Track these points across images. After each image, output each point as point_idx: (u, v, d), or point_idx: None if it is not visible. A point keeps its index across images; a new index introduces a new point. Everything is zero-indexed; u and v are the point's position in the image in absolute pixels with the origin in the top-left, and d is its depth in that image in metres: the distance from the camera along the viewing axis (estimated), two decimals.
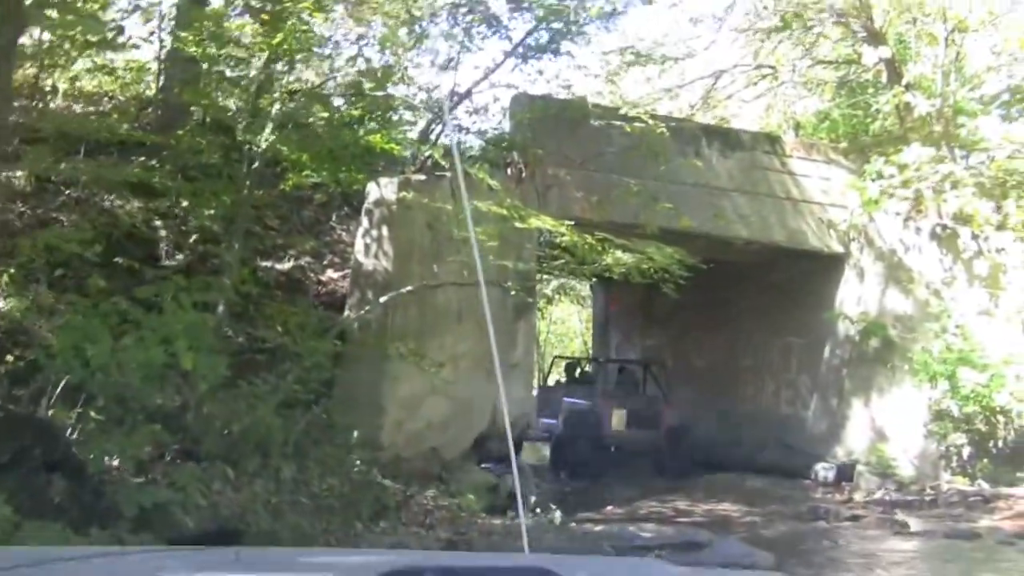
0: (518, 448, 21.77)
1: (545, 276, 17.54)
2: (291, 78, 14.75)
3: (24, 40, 12.63)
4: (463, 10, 17.97)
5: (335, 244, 17.24)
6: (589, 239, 14.98)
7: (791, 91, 27.00)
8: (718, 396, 25.37)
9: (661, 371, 25.50)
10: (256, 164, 13.36)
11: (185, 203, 14.92)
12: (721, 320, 25.54)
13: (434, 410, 15.81)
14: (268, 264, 16.35)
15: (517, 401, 17.79)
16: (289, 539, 10.96)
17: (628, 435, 23.89)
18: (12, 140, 13.63)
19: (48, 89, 16.59)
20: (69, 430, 10.20)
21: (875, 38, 22.86)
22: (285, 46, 12.75)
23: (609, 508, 18.29)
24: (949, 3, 20.93)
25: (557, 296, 41.46)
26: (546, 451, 24.61)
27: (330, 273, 16.78)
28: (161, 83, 16.91)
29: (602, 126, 19.02)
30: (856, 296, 22.65)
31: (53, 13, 9.79)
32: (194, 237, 15.38)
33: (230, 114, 14.69)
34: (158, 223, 15.64)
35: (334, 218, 17.55)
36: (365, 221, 15.91)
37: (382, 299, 14.80)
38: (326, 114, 14.91)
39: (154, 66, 17.56)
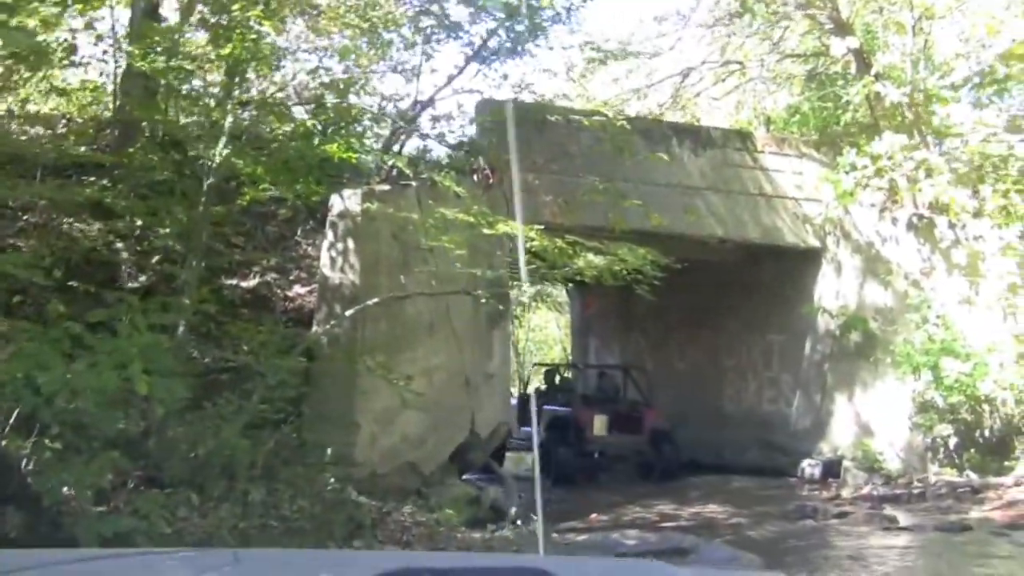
0: (501, 457, 21.58)
1: (517, 284, 17.12)
2: (249, 90, 14.41)
3: None
4: (423, 18, 17.72)
5: (301, 259, 16.88)
6: (559, 243, 14.68)
7: (760, 87, 26.79)
8: (700, 397, 25.20)
9: (641, 374, 25.28)
10: (211, 180, 12.98)
11: (140, 223, 14.53)
12: (700, 321, 25.38)
13: (409, 424, 15.48)
14: (232, 282, 16.01)
15: (496, 410, 17.54)
16: None
17: (611, 440, 23.68)
18: None
19: (1, 113, 16.26)
20: (24, 461, 9.83)
21: (842, 29, 22.63)
22: (235, 56, 12.37)
23: (593, 516, 17.98)
24: None
25: (534, 303, 41.27)
26: (528, 460, 24.32)
27: (297, 289, 16.42)
28: (118, 102, 16.53)
29: (569, 128, 18.81)
30: (835, 290, 22.46)
31: None
32: (156, 258, 15.02)
33: (184, 129, 14.28)
34: (119, 245, 15.29)
35: (299, 232, 17.18)
36: (330, 234, 15.58)
37: (348, 313, 14.46)
38: (279, 125, 14.55)
39: (111, 86, 17.21)
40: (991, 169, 20.78)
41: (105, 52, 15.03)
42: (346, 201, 15.42)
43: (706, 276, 23.53)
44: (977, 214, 20.68)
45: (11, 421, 9.94)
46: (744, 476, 22.17)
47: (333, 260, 15.47)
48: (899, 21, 22.77)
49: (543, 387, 27.41)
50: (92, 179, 15.15)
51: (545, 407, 24.40)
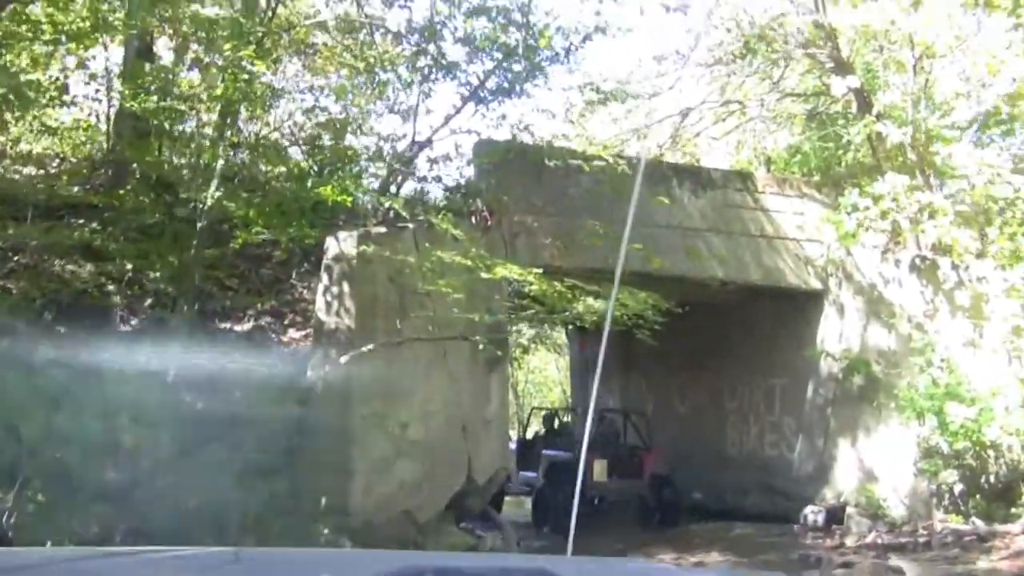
0: (499, 503, 21.24)
1: (515, 328, 16.84)
2: (241, 131, 14.16)
3: None
4: (420, 58, 17.49)
5: (296, 302, 16.56)
6: (558, 287, 14.40)
7: (760, 126, 26.57)
8: (701, 441, 24.88)
9: (642, 418, 24.94)
10: (203, 222, 12.70)
11: (129, 266, 14.24)
12: (701, 363, 25.08)
13: (406, 471, 15.15)
14: (226, 326, 15.70)
15: (494, 456, 17.21)
16: None
17: (611, 485, 23.31)
18: None
19: None
20: (4, 514, 9.49)
21: (843, 68, 22.41)
22: (228, 96, 12.10)
23: None
24: (916, 29, 20.46)
25: (533, 345, 41.03)
26: (528, 505, 24.01)
27: (292, 333, 16.11)
28: (112, 142, 16.28)
29: (568, 169, 18.58)
30: (837, 332, 22.16)
31: None
32: (149, 301, 14.72)
33: (177, 171, 13.98)
34: (111, 288, 14.99)
35: (294, 275, 16.88)
36: (325, 277, 15.28)
37: (342, 359, 14.15)
38: (270, 167, 14.28)
39: (105, 126, 16.96)
40: (998, 211, 20.50)
41: (98, 91, 14.75)
42: (341, 243, 15.13)
43: (707, 318, 23.28)
44: (980, 255, 20.41)
45: None
46: (746, 522, 21.77)
47: (328, 304, 15.17)
48: (900, 60, 22.55)
49: (542, 431, 27.04)
50: (84, 221, 14.88)
51: (544, 452, 24.06)
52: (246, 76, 12.02)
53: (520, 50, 16.96)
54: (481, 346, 15.18)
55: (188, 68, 14.63)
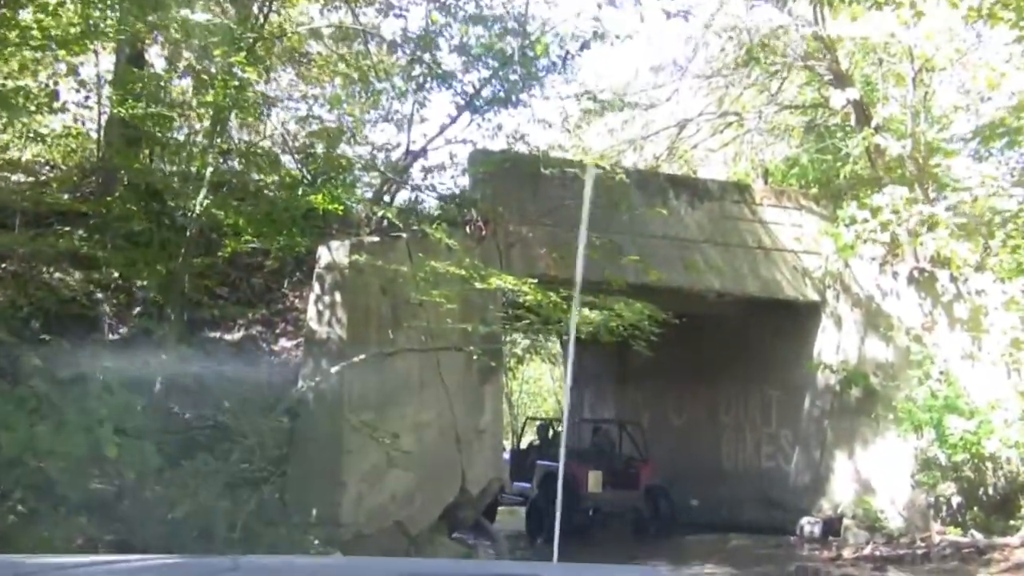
0: (493, 513, 21.09)
1: (509, 338, 16.66)
2: (232, 139, 13.99)
3: None
4: (415, 67, 17.35)
5: (288, 312, 16.40)
6: (553, 297, 14.24)
7: (758, 138, 26.42)
8: (697, 453, 24.75)
9: (637, 429, 24.79)
10: (192, 230, 12.53)
11: (117, 274, 14.07)
12: (697, 375, 24.93)
13: (398, 482, 14.98)
14: (216, 335, 15.54)
15: (487, 466, 17.05)
16: None
17: (606, 497, 23.17)
18: None
19: None
20: None
21: (841, 80, 22.32)
22: (218, 103, 11.93)
23: None
24: (915, 42, 20.35)
25: (528, 355, 40.89)
26: (522, 515, 23.84)
27: (283, 342, 15.95)
28: (102, 150, 16.11)
29: (564, 180, 18.45)
30: (835, 345, 22.03)
31: None
32: (137, 310, 14.55)
33: (165, 178, 13.77)
34: (99, 296, 14.83)
35: (286, 284, 16.72)
36: (317, 287, 15.12)
37: (334, 369, 13.99)
38: (261, 175, 14.11)
39: (95, 133, 16.78)
40: (1000, 223, 20.37)
41: (87, 98, 14.58)
42: (333, 253, 14.98)
43: (703, 330, 23.15)
44: (979, 268, 20.29)
45: None
46: (742, 534, 21.61)
47: (320, 313, 15.01)
48: (899, 73, 22.46)
49: (536, 442, 26.89)
50: (72, 228, 14.72)
51: (538, 462, 23.92)
52: (236, 83, 11.88)
53: (516, 59, 16.80)
54: (475, 356, 15.00)
55: (180, 76, 14.44)
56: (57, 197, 14.99)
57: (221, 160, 12.80)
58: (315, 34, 18.26)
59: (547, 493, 22.78)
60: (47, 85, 13.81)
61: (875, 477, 20.94)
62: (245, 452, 12.25)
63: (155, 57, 16.10)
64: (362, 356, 14.03)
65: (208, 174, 12.39)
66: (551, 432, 26.95)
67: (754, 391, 24.03)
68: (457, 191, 18.18)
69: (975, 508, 19.60)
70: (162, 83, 13.34)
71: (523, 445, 27.38)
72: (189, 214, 12.47)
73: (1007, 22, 17.98)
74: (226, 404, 13.35)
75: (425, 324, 14.66)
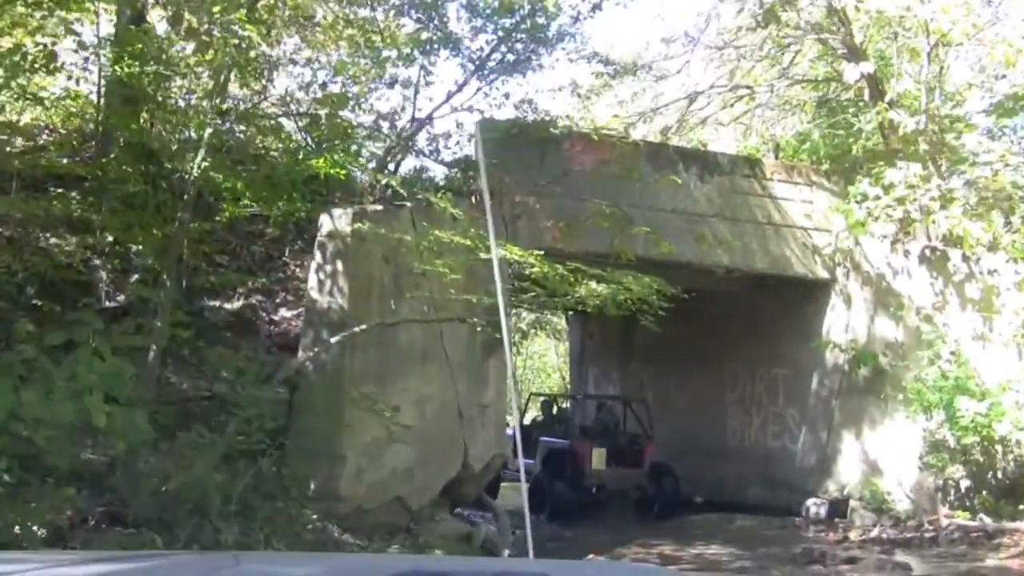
0: (496, 489, 20.86)
1: (515, 310, 16.32)
2: (232, 101, 13.62)
3: None
4: (423, 32, 17.02)
5: (288, 280, 16.05)
6: (560, 269, 13.92)
7: (769, 113, 26.05)
8: (702, 431, 24.45)
9: (642, 407, 24.48)
10: (188, 194, 12.17)
11: (111, 238, 13.73)
12: (704, 352, 24.62)
13: (399, 457, 14.68)
14: (215, 304, 15.21)
15: (490, 442, 16.78)
16: None
17: (610, 474, 22.90)
18: None
19: None
20: None
21: (855, 54, 21.94)
22: (217, 62, 11.56)
23: (591, 556, 17.12)
24: (931, 16, 19.99)
25: (533, 331, 40.63)
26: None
27: (283, 312, 15.61)
28: (101, 113, 15.73)
29: (573, 151, 18.18)
30: (844, 323, 21.73)
31: None
32: (135, 277, 14.21)
33: (161, 139, 13.36)
34: (96, 262, 14.51)
35: (287, 253, 16.38)
36: (318, 255, 14.78)
37: (334, 339, 13.67)
38: (262, 138, 13.74)
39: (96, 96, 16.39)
40: (1021, 198, 20.07)
41: (87, 59, 14.19)
42: (335, 220, 14.64)
43: (711, 306, 22.87)
44: (992, 248, 19.96)
45: None
46: (747, 514, 21.38)
47: (321, 283, 14.68)
48: (914, 48, 22.10)
49: (540, 418, 26.62)
50: (68, 192, 14.35)
51: (541, 439, 23.64)
52: (236, 41, 11.51)
53: (526, 22, 16.46)
54: (479, 328, 14.68)
55: (181, 37, 14.02)
56: (54, 161, 14.60)
57: (220, 122, 12.38)
58: None
59: (550, 471, 22.54)
60: (44, 46, 13.39)
61: (883, 458, 20.68)
62: (241, 424, 11.92)
63: (157, 20, 15.65)
64: (363, 326, 13.71)
65: (206, 136, 12.02)
66: (555, 408, 26.69)
67: (761, 369, 23.74)
68: (462, 159, 17.85)
69: (984, 492, 19.38)
70: (162, 44, 12.90)
71: (527, 421, 27.10)
72: (186, 177, 12.11)
73: None
74: (224, 374, 13.02)
75: (428, 295, 14.32)
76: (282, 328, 15.36)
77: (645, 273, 15.20)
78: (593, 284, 14.04)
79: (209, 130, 12.04)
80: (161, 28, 15.19)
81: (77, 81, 14.19)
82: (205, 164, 11.82)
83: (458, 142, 18.25)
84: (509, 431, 23.70)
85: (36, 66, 12.60)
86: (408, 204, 15.49)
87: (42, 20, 13.13)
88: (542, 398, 28.79)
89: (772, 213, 21.45)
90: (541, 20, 16.85)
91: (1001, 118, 21.57)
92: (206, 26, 12.66)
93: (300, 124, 16.26)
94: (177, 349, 13.60)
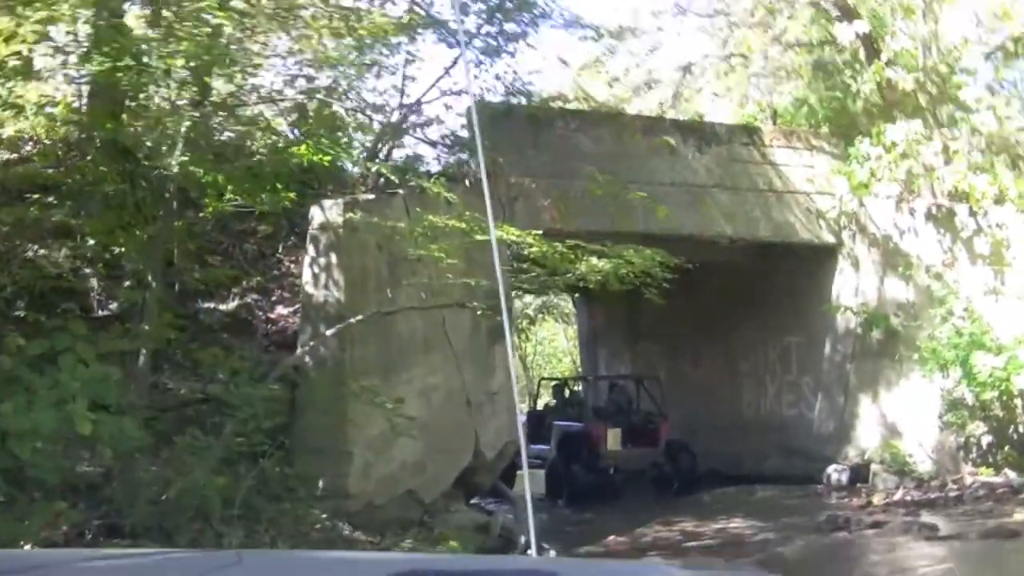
0: (511, 478, 20.65)
1: (516, 292, 16.03)
2: (219, 95, 13.27)
3: None
4: (409, 17, 16.69)
5: (283, 277, 15.75)
6: (559, 247, 13.62)
7: (765, 80, 25.70)
8: (717, 405, 24.23)
9: (655, 384, 24.20)
10: (169, 190, 11.85)
11: (100, 245, 13.41)
12: (713, 325, 24.34)
13: (408, 449, 14.38)
14: (210, 305, 14.93)
15: (502, 430, 16.50)
16: None
17: (626, 454, 22.67)
18: None
19: None
20: None
21: (848, 14, 21.61)
22: (190, 53, 11.20)
23: (611, 538, 16.86)
24: None
25: (541, 316, 40.42)
26: (540, 478, 23.32)
27: (280, 310, 15.32)
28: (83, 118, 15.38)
29: (566, 130, 17.94)
30: (853, 287, 21.44)
31: None
32: (127, 283, 13.90)
33: (138, 135, 12.98)
34: (87, 271, 14.22)
35: (280, 249, 16.09)
36: (311, 248, 14.49)
37: (329, 332, 13.38)
38: (242, 128, 13.38)
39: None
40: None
41: (64, 63, 13.85)
42: (327, 212, 14.34)
43: (717, 278, 22.59)
44: (999, 201, 19.65)
45: None
46: (767, 485, 21.09)
47: (316, 276, 14.40)
48: (908, 5, 21.74)
49: (552, 402, 26.37)
50: (54, 200, 14.06)
51: (555, 423, 23.40)
52: (208, 30, 11.18)
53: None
54: (480, 312, 14.37)
55: (158, 33, 13.64)
56: (31, 170, 14.27)
57: (196, 115, 12.00)
58: None
59: (565, 454, 22.32)
60: (21, 52, 13.05)
61: (901, 420, 20.43)
62: (238, 425, 11.62)
63: (135, 20, 15.31)
64: (359, 317, 13.41)
65: (183, 130, 11.68)
66: (567, 392, 26.44)
67: (772, 338, 23.45)
68: (455, 140, 17.58)
69: (1006, 447, 19.24)
70: (136, 40, 12.50)
71: (539, 406, 26.87)
72: (166, 173, 11.78)
73: None
74: (220, 376, 12.70)
75: (426, 281, 14.00)
76: (279, 326, 15.08)
77: (648, 247, 14.92)
78: (594, 260, 13.75)
79: (186, 123, 11.69)
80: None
81: (57, 89, 13.91)
82: (184, 159, 11.49)
83: (451, 130, 17.96)
84: (522, 417, 23.58)
85: (13, 73, 12.26)
86: (401, 191, 15.21)
87: (16, 27, 12.78)
88: (553, 382, 28.51)
89: (773, 180, 21.14)
90: None
91: (1006, 60, 21.18)
92: (175, 12, 12.27)
93: (287, 118, 15.97)
94: (172, 353, 13.33)
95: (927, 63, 20.61)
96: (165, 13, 12.87)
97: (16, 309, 12.87)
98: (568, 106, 20.97)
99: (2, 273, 13.47)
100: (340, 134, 15.97)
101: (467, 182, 16.19)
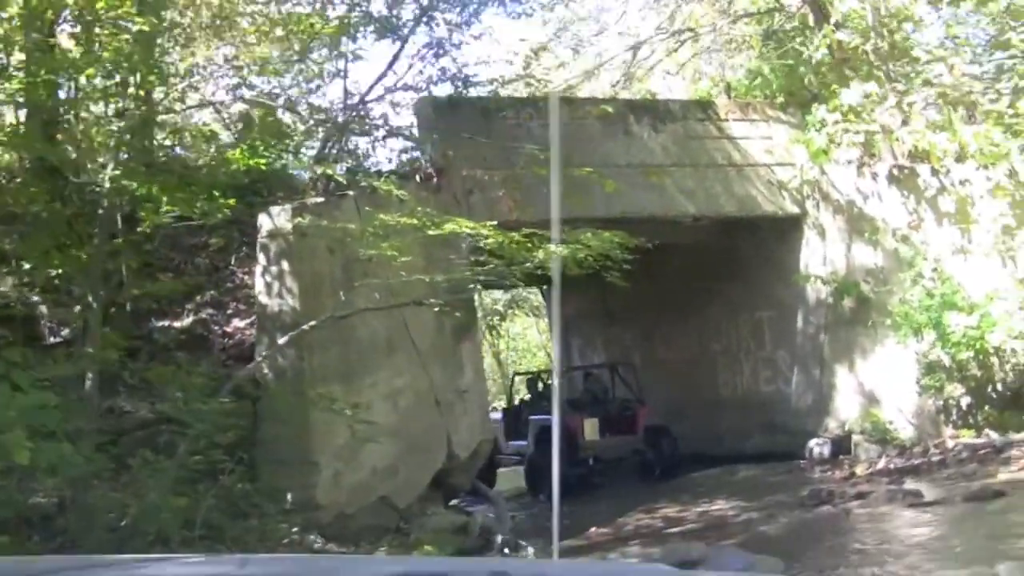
0: (492, 477, 20.37)
1: (474, 286, 15.69)
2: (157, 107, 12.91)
3: None
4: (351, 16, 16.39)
5: (237, 290, 15.37)
6: (515, 237, 13.31)
7: (716, 54, 25.51)
8: (694, 386, 23.97)
9: (629, 371, 23.94)
10: (103, 206, 11.46)
11: (28, 266, 13.03)
12: (683, 306, 24.09)
13: (377, 455, 14.09)
14: (164, 324, 14.57)
15: (474, 428, 16.21)
16: None
17: (604, 444, 22.38)
18: None
19: None
20: None
21: None
22: (111, 61, 10.84)
23: (593, 530, 16.61)
24: None
25: (511, 310, 40.20)
26: (519, 475, 23.08)
27: (236, 323, 14.96)
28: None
29: (518, 119, 17.72)
30: (821, 256, 21.17)
31: None
32: (78, 307, 13.51)
33: (65, 151, 12.59)
34: (35, 298, 13.84)
35: (233, 261, 15.72)
36: (261, 257, 14.16)
37: (281, 340, 13.05)
38: (170, 138, 13.02)
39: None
40: (982, 92, 19.59)
41: None
42: (275, 219, 14.02)
43: (683, 258, 22.38)
44: (960, 158, 19.42)
45: None
46: (749, 464, 20.88)
47: (268, 285, 14.07)
48: None
49: (528, 397, 26.07)
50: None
51: (531, 417, 23.11)
52: (126, 37, 10.81)
53: None
54: (437, 308, 14.05)
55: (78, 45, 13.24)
56: None
57: (122, 124, 11.60)
58: None
59: (544, 449, 22.01)
60: None
61: (879, 388, 20.19)
62: (192, 443, 11.25)
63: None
64: (312, 323, 13.06)
65: (111, 142, 11.31)
66: (541, 385, 26.14)
67: (744, 315, 23.20)
68: (406, 134, 17.30)
69: (986, 407, 19.00)
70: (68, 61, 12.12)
71: (515, 402, 26.58)
72: (98, 188, 11.40)
73: None
74: (177, 394, 12.32)
75: (380, 281, 13.65)
76: (236, 339, 14.72)
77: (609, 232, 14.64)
78: (551, 247, 13.42)
79: (114, 134, 11.31)
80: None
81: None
82: (115, 173, 11.09)
83: (398, 128, 17.67)
84: (496, 415, 23.30)
85: None
86: (351, 193, 14.89)
87: None
88: (527, 376, 28.22)
89: (732, 154, 20.87)
90: None
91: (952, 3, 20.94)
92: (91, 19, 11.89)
93: (233, 128, 15.65)
94: (128, 375, 12.97)
95: (877, 22, 20.35)
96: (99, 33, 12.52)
97: None
98: (518, 95, 20.67)
99: None
100: (287, 141, 15.69)
101: (418, 178, 15.90)
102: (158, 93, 13.21)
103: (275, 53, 17.78)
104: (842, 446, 20.32)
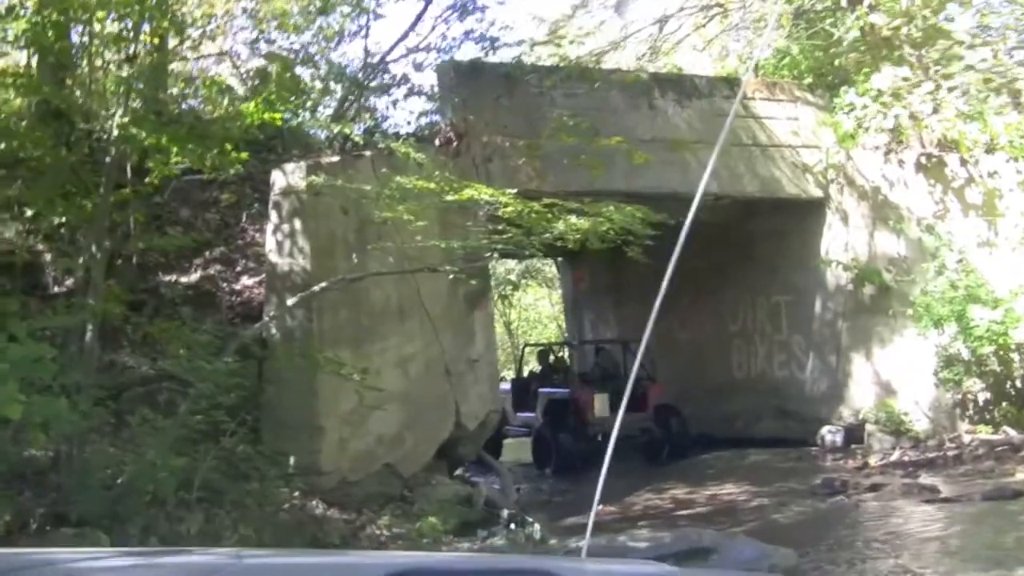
0: (499, 448, 20.13)
1: (491, 255, 15.33)
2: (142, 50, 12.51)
3: None
4: None
5: (248, 247, 15.05)
6: (535, 206, 12.97)
7: (745, 31, 25.07)
8: (706, 368, 23.66)
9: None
10: (111, 155, 11.11)
11: (30, 213, 12.72)
12: (701, 286, 23.64)
13: (384, 422, 13.80)
14: (171, 278, 14.24)
15: (483, 399, 15.91)
16: None
17: (613, 420, 21.98)
18: None
19: None
20: None
21: None
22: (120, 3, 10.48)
23: (600, 508, 16.24)
24: None
25: (524, 280, 39.86)
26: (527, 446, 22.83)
27: (245, 280, 14.65)
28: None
29: (541, 87, 17.39)
30: (843, 242, 20.79)
31: None
32: (83, 257, 13.19)
33: (71, 96, 12.24)
34: (40, 247, 13.53)
35: (244, 218, 15.38)
36: (274, 215, 13.83)
37: (290, 301, 12.73)
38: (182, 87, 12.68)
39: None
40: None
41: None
42: (289, 176, 13.68)
43: (702, 237, 21.78)
44: (990, 149, 19.04)
45: None
46: (759, 448, 20.57)
47: (280, 244, 13.75)
48: None
49: (537, 369, 25.78)
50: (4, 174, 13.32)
51: (540, 390, 22.86)
52: None
53: None
54: (451, 276, 13.73)
55: None
56: None
57: (131, 73, 11.22)
58: None
59: (552, 422, 21.78)
60: None
61: (896, 378, 19.83)
62: (193, 402, 10.95)
63: None
64: (323, 285, 12.74)
65: (119, 89, 10.96)
66: (552, 357, 25.84)
67: (761, 298, 22.84)
68: (427, 92, 16.99)
69: (1004, 404, 18.75)
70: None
71: (524, 374, 26.30)
72: (105, 136, 11.06)
73: None
74: (181, 351, 11.99)
75: (394, 245, 13.32)
76: (244, 297, 14.41)
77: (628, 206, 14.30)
78: (572, 218, 13.08)
79: (122, 79, 10.95)
80: None
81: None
82: (123, 120, 10.72)
83: (420, 89, 17.33)
84: (504, 385, 23.00)
85: None
86: (367, 153, 14.55)
87: None
88: (538, 348, 27.93)
89: (757, 134, 20.48)
90: None
91: None
92: None
93: (249, 85, 15.31)
94: (132, 330, 12.66)
95: (911, 6, 19.93)
96: None
97: None
98: (542, 63, 20.29)
99: None
100: (304, 98, 15.34)
101: (437, 142, 15.56)
102: (173, 41, 12.89)
103: (295, 8, 17.45)
104: (855, 435, 20.06)
